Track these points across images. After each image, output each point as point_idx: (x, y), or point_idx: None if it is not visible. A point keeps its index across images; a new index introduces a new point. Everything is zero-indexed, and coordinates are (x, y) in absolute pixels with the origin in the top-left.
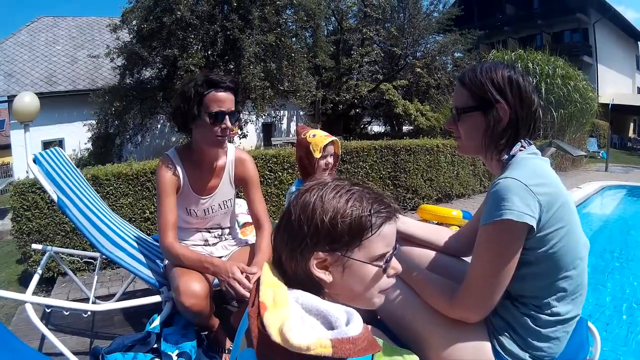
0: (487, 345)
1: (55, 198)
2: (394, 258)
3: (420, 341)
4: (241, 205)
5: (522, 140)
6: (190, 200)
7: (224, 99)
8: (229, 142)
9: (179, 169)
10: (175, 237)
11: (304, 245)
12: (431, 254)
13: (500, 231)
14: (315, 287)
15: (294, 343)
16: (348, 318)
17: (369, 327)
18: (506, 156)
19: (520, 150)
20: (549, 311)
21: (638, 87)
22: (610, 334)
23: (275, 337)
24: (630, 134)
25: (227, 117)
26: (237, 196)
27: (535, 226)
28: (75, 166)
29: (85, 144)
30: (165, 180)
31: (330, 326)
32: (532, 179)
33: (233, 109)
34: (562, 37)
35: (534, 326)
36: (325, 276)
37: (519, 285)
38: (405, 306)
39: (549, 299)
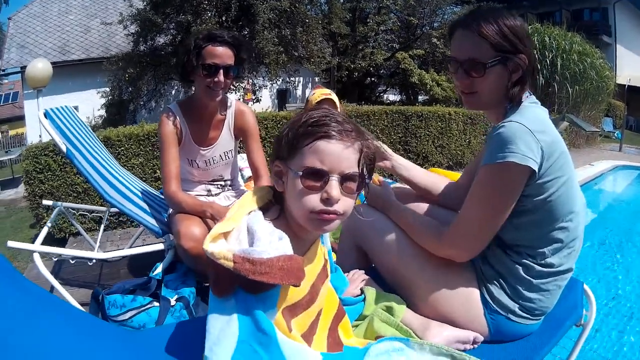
0: (476, 293)
1: (64, 149)
2: (332, 183)
3: (409, 288)
4: (245, 160)
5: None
6: (192, 151)
7: (221, 54)
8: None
9: (180, 121)
10: (179, 186)
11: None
12: (424, 205)
13: (502, 173)
14: (280, 199)
15: (204, 247)
16: (271, 241)
17: (302, 259)
18: (508, 103)
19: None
20: (543, 261)
21: None
22: (612, 309)
23: (204, 242)
24: None
25: (221, 70)
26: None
27: (537, 171)
28: (85, 123)
29: (99, 110)
30: (167, 131)
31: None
32: (535, 125)
33: (231, 63)
34: (581, 15)
35: (525, 275)
36: (277, 184)
37: (514, 234)
38: (395, 252)
39: (545, 248)
